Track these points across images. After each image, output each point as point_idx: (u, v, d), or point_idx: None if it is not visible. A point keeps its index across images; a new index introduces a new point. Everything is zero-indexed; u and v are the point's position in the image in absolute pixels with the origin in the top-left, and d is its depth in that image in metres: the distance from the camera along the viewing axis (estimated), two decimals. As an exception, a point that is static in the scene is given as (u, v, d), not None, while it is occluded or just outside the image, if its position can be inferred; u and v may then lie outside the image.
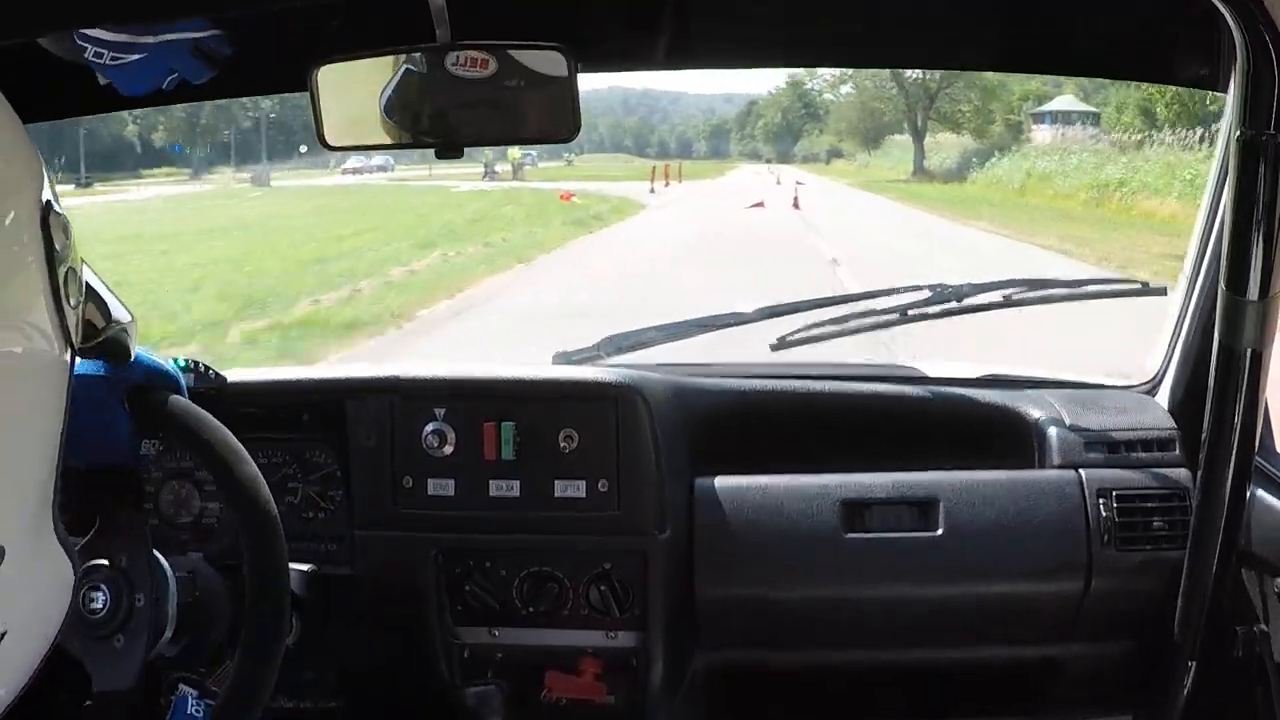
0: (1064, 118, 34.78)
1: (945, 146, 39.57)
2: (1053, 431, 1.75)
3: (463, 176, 34.52)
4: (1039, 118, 36.34)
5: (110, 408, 1.19)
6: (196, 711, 1.25)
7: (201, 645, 1.35)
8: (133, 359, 1.14)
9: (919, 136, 39.92)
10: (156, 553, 1.26)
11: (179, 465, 1.74)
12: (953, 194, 27.76)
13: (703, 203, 24.84)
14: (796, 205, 22.17)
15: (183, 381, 1.27)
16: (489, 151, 33.80)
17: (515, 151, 35.81)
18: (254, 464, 1.22)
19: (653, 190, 28.72)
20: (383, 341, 8.84)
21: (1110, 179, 24.29)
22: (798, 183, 30.02)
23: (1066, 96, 34.90)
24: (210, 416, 1.24)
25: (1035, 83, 35.10)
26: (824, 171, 44.20)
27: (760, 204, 22.40)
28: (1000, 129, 37.21)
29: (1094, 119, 33.52)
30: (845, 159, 49.03)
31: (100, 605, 1.22)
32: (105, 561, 1.24)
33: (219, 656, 1.42)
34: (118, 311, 1.03)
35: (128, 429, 1.22)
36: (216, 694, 1.28)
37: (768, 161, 49.13)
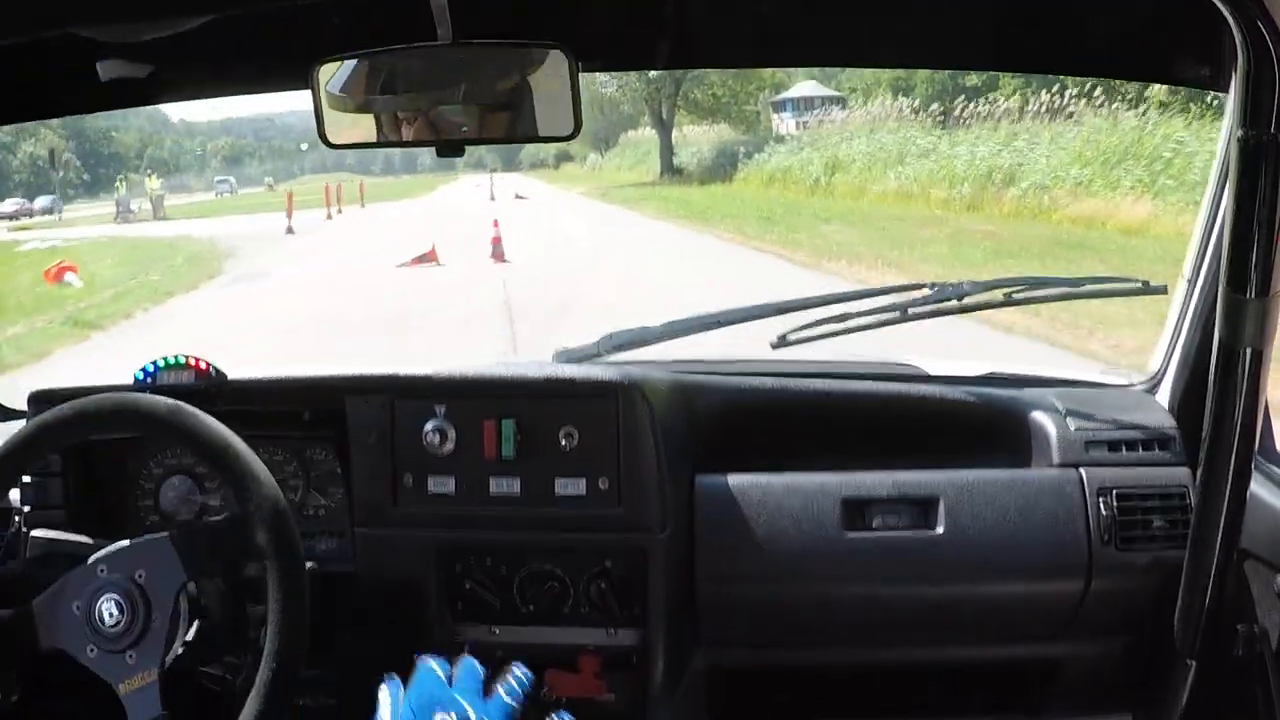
0: (806, 104, 30.58)
1: (694, 140, 33.08)
2: (1053, 430, 1.75)
3: (91, 219, 27.26)
4: (779, 106, 31.89)
5: None
6: None
7: (204, 642, 1.36)
8: None
9: (666, 130, 32.84)
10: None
11: (179, 462, 1.75)
12: (728, 197, 21.11)
13: (338, 257, 14.73)
14: (499, 254, 12.17)
15: None
16: (122, 186, 29.37)
17: (154, 182, 29.96)
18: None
19: (291, 230, 19.14)
20: None
21: (997, 166, 16.05)
22: (518, 195, 25.84)
23: (809, 82, 30.90)
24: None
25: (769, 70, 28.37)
26: (554, 178, 39.76)
27: (428, 257, 12.34)
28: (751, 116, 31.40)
29: (839, 103, 28.74)
30: (575, 162, 44.95)
31: (115, 619, 1.24)
32: (129, 570, 1.25)
33: (220, 654, 1.43)
34: None
35: None
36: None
37: (492, 170, 45.04)
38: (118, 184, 30.36)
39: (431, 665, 0.99)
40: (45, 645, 1.27)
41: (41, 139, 41.03)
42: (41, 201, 34.31)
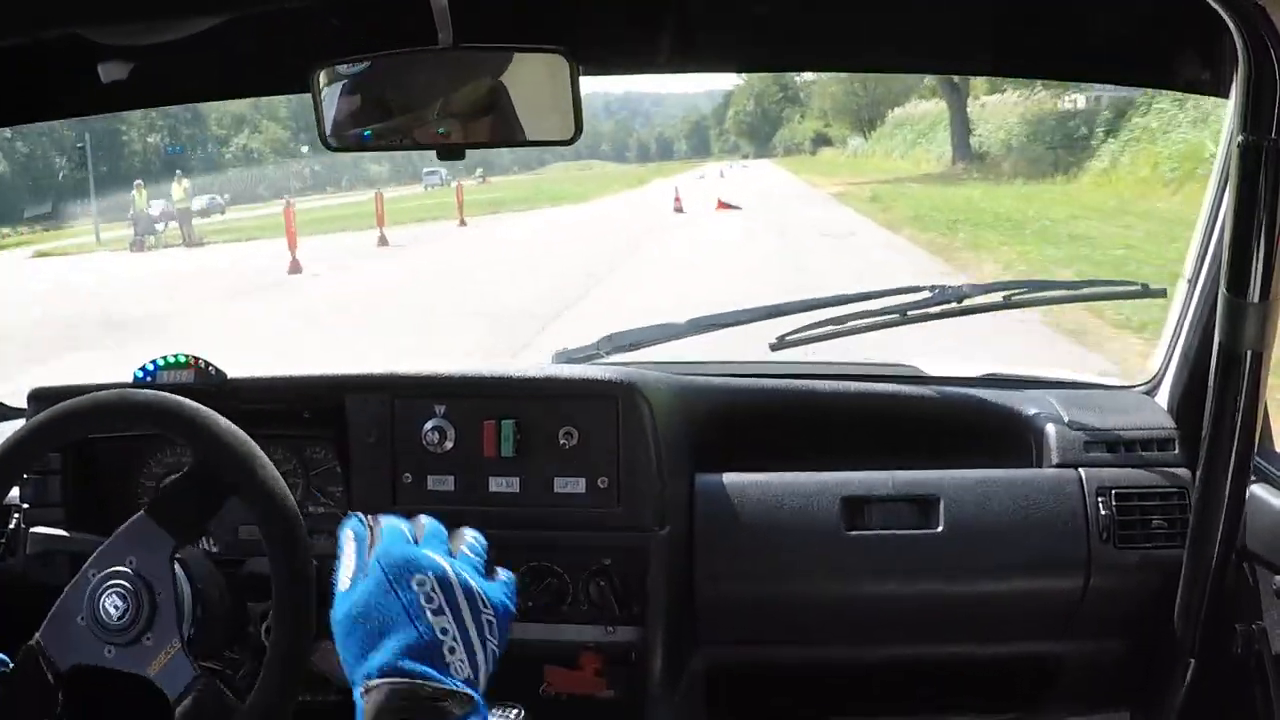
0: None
1: (998, 111, 23.32)
2: (1052, 430, 1.75)
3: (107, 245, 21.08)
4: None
5: None
6: None
7: (204, 639, 1.36)
8: None
9: (960, 98, 23.72)
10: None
11: (178, 460, 1.75)
12: (1131, 216, 11.85)
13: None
14: None
15: None
16: (140, 196, 20.75)
17: (180, 189, 21.93)
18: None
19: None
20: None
21: None
22: (724, 204, 16.82)
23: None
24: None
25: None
26: (803, 167, 32.10)
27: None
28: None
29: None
30: (835, 147, 38.23)
31: (121, 610, 1.24)
32: (120, 562, 1.25)
33: (220, 650, 1.44)
34: None
35: None
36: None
37: (744, 156, 42.01)
38: (135, 192, 20.75)
39: (399, 525, 0.94)
40: (64, 668, 1.27)
41: (263, 130, 37.97)
42: (200, 202, 28.47)
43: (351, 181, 40.98)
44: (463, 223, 19.87)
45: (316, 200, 31.13)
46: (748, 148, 45.48)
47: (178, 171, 23.67)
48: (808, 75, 32.55)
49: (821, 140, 40.85)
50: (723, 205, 17.04)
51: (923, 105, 28.09)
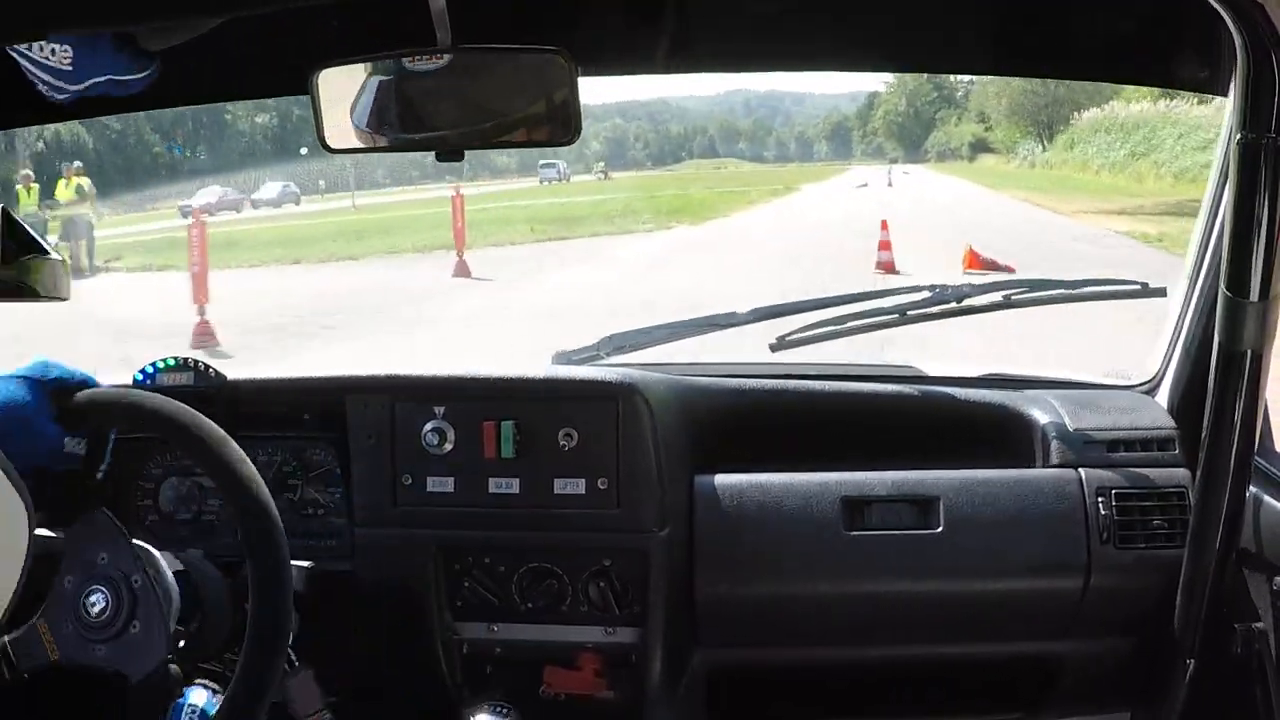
0: None
1: None
2: (1052, 431, 1.75)
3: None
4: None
5: (34, 406, 1.27)
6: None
7: (204, 640, 1.36)
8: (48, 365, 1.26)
9: None
10: (136, 541, 1.28)
11: (178, 462, 1.75)
12: None
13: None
14: None
15: (95, 382, 1.34)
16: (28, 194, 12.96)
17: (70, 187, 14.46)
18: (230, 442, 1.26)
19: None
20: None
21: None
22: (983, 261, 8.43)
23: None
24: (145, 396, 1.28)
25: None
26: (977, 174, 25.78)
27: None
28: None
29: None
30: (999, 154, 33.41)
31: (102, 605, 1.24)
32: (92, 562, 1.26)
33: (220, 652, 1.44)
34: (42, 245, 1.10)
35: (53, 427, 1.29)
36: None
37: (892, 161, 37.48)
38: (20, 187, 14.83)
39: None
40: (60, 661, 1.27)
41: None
42: (271, 190, 23.87)
43: (474, 169, 37.94)
44: (463, 268, 11.81)
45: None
46: (895, 151, 41.09)
47: (76, 164, 16.34)
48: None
49: (979, 145, 35.47)
50: (978, 261, 8.92)
51: (1130, 108, 22.10)
